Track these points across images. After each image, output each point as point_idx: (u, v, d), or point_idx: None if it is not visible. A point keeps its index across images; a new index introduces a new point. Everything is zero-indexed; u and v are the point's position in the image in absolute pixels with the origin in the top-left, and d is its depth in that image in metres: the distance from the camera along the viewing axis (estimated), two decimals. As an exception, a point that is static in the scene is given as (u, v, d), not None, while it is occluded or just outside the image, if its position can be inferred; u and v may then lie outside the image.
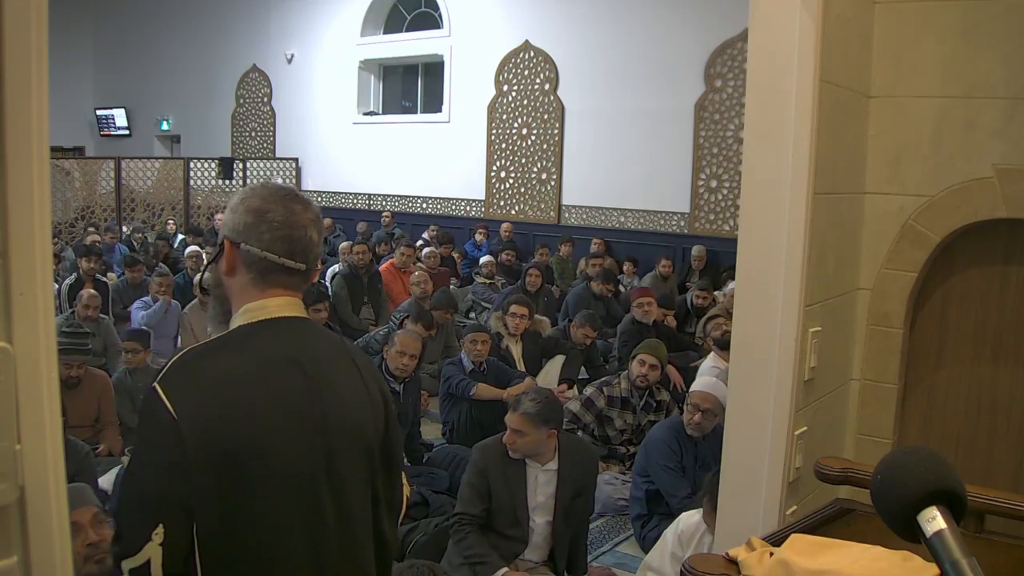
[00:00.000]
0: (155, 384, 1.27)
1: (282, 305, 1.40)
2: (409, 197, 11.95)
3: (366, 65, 12.30)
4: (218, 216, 11.16)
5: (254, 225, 1.38)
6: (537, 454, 3.09)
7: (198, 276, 1.48)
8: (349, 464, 1.41)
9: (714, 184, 9.36)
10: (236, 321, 1.40)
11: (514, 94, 10.73)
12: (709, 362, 5.06)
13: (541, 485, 3.12)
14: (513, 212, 10.85)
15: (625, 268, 8.94)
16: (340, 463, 1.39)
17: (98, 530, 2.32)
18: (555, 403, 3.17)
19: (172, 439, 1.23)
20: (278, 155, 13.24)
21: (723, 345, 4.71)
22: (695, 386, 3.86)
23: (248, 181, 12.58)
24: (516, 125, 10.75)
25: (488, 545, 3.01)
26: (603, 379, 4.90)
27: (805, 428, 2.03)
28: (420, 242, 9.44)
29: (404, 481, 1.61)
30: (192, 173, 12.05)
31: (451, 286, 8.16)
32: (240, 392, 1.30)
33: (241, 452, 1.27)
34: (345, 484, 1.39)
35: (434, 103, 11.77)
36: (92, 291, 5.94)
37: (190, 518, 1.25)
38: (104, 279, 7.07)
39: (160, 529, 1.22)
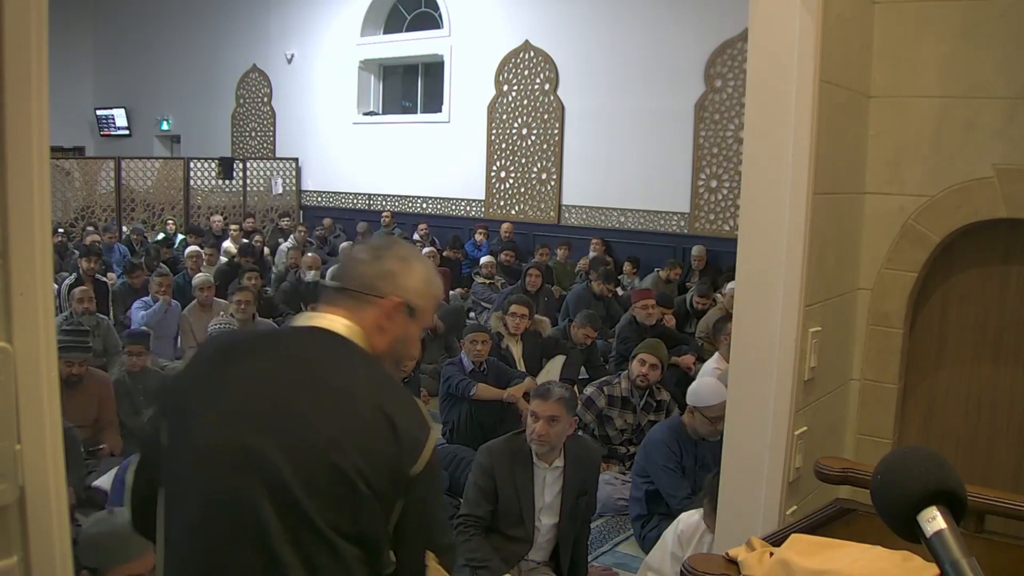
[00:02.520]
0: None
1: (311, 318, 1.44)
2: (409, 197, 11.95)
3: (366, 65, 12.30)
4: (215, 218, 11.15)
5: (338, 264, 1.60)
6: (557, 448, 3.10)
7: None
8: (300, 480, 1.22)
9: (714, 184, 9.36)
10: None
11: (514, 94, 10.73)
12: (712, 363, 5.05)
13: (548, 485, 3.13)
14: (513, 212, 10.85)
15: (625, 268, 8.94)
16: (286, 474, 1.21)
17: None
18: (573, 391, 3.24)
19: (158, 392, 1.52)
20: (278, 155, 13.24)
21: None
22: (707, 397, 3.71)
23: (248, 181, 12.58)
24: (516, 125, 10.75)
25: (491, 549, 3.02)
26: (603, 379, 4.91)
27: (805, 428, 2.03)
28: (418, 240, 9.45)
29: (435, 564, 1.38)
30: (192, 173, 12.04)
31: (453, 290, 8.16)
32: (211, 358, 1.38)
33: (176, 405, 1.33)
34: (289, 499, 1.21)
35: (434, 103, 11.77)
36: (84, 286, 5.95)
37: (155, 457, 1.32)
38: (104, 279, 7.07)
39: (139, 456, 1.42)
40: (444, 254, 9.49)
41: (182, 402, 1.32)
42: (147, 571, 2.25)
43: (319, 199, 13.00)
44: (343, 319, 1.39)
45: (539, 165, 10.62)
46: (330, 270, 1.57)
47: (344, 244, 8.79)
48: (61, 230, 9.73)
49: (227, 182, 12.37)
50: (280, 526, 1.20)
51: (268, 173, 12.91)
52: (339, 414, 1.26)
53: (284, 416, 1.26)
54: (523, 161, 10.74)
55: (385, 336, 1.41)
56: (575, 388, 5.38)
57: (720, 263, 8.76)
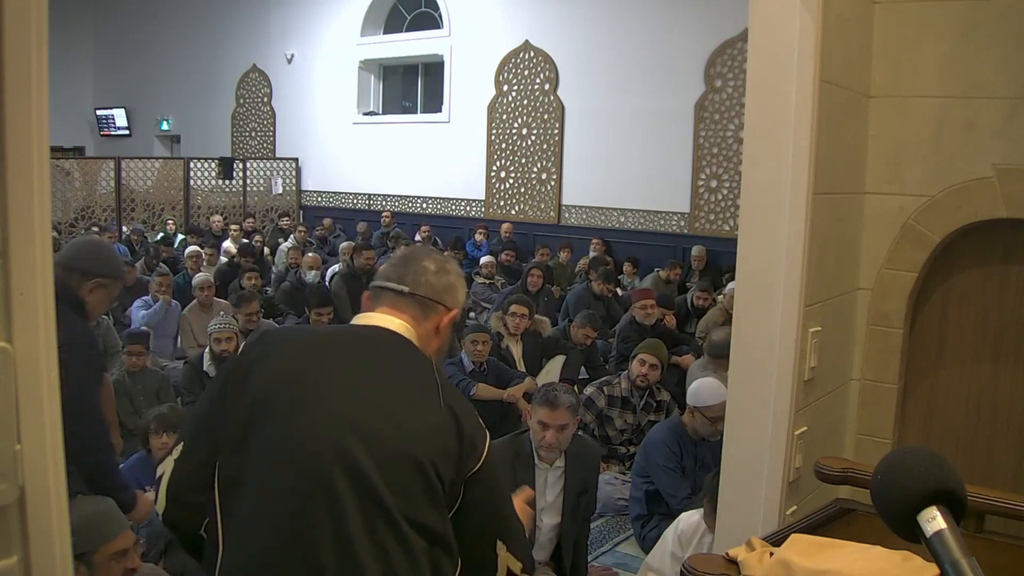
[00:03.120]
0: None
1: (369, 318, 1.53)
2: (409, 197, 11.95)
3: (366, 65, 12.30)
4: (215, 218, 11.15)
5: (384, 266, 1.66)
6: (563, 451, 3.10)
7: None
8: (381, 473, 1.30)
9: (714, 184, 9.36)
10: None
11: (514, 94, 10.73)
12: (702, 362, 5.06)
13: (550, 485, 3.13)
14: (513, 212, 10.85)
15: (625, 268, 8.94)
16: (366, 467, 1.29)
17: (137, 553, 2.32)
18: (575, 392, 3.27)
19: (224, 373, 1.45)
20: (278, 155, 13.24)
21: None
22: (707, 397, 3.70)
23: (248, 181, 12.58)
24: (516, 125, 10.75)
25: None
26: (603, 379, 4.91)
27: (805, 428, 2.03)
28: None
29: (506, 553, 1.46)
30: (192, 173, 12.04)
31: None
32: (291, 353, 1.43)
33: (266, 402, 1.35)
34: (369, 491, 1.29)
35: (434, 103, 11.78)
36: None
37: (213, 449, 1.37)
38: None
39: (180, 447, 1.42)
40: (444, 254, 9.47)
41: (274, 403, 1.36)
42: (129, 546, 2.26)
43: (319, 199, 13.00)
44: (406, 324, 1.51)
45: (539, 165, 10.62)
46: (389, 273, 1.57)
47: (344, 244, 8.78)
48: (55, 234, 9.73)
49: (227, 182, 12.37)
50: (360, 515, 1.28)
51: (268, 173, 12.91)
52: (420, 411, 1.39)
53: (376, 414, 1.36)
54: (523, 161, 10.74)
55: (435, 343, 1.56)
56: (575, 388, 5.39)
57: (720, 263, 8.76)
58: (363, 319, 1.53)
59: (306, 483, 1.29)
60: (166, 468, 1.42)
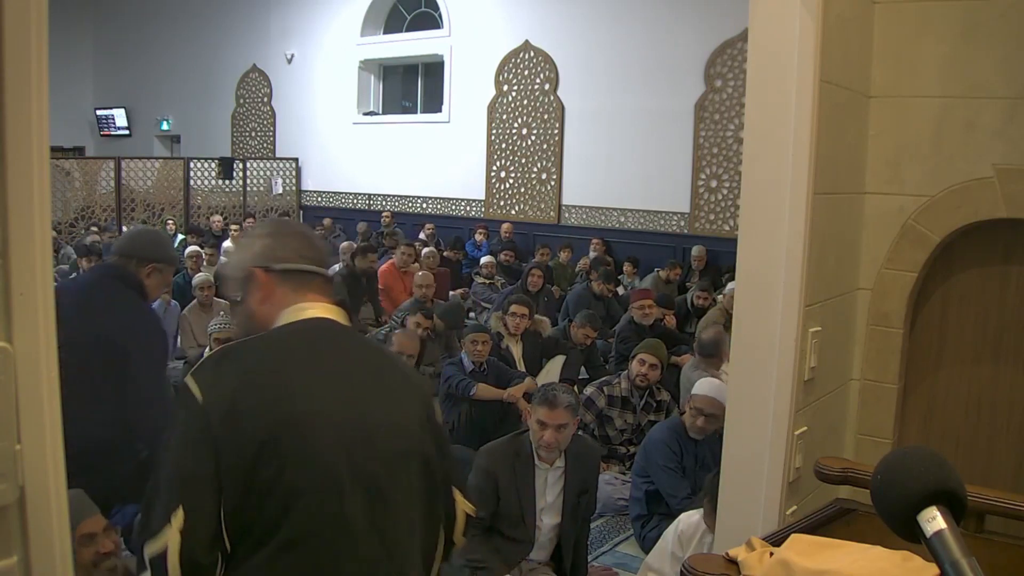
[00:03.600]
0: (186, 377, 1.31)
1: (317, 308, 1.45)
2: (409, 197, 11.95)
3: (366, 65, 12.30)
4: (215, 218, 11.17)
5: (276, 246, 1.48)
6: (563, 451, 3.10)
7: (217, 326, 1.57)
8: (392, 469, 1.37)
9: (714, 184, 9.37)
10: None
11: (514, 94, 10.73)
12: (695, 362, 5.07)
13: (550, 485, 3.13)
14: (513, 212, 10.85)
15: (625, 268, 8.94)
16: (378, 466, 1.35)
17: (111, 538, 2.31)
18: (575, 392, 3.27)
19: (200, 423, 1.25)
20: (278, 155, 13.24)
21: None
22: (698, 389, 3.83)
23: (248, 181, 12.58)
24: (516, 125, 10.75)
25: (491, 550, 3.02)
26: (603, 379, 4.91)
27: (805, 428, 2.02)
28: (419, 242, 9.46)
29: (458, 497, 1.56)
30: (192, 173, 12.05)
31: (454, 291, 8.15)
32: (269, 378, 1.33)
33: (269, 433, 1.27)
34: (385, 489, 1.35)
35: (434, 103, 11.78)
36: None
37: (218, 498, 1.24)
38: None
39: (180, 513, 1.20)
40: (444, 254, 9.49)
41: (285, 435, 1.29)
42: (98, 530, 2.25)
43: (319, 199, 13.01)
44: (337, 308, 1.49)
45: (539, 165, 10.62)
46: (311, 256, 1.48)
47: (344, 244, 8.78)
48: (54, 233, 9.73)
49: (227, 182, 12.37)
50: (423, 490, 1.42)
51: (268, 173, 12.91)
52: (407, 397, 1.47)
53: (380, 411, 1.41)
54: (523, 161, 10.74)
55: None
56: (575, 388, 5.39)
57: (720, 263, 8.76)
58: (304, 311, 1.43)
59: (369, 475, 1.34)
60: (168, 543, 1.20)
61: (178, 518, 1.21)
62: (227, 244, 9.71)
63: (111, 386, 2.61)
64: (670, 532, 2.91)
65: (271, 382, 1.32)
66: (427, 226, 10.65)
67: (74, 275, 6.78)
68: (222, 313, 5.69)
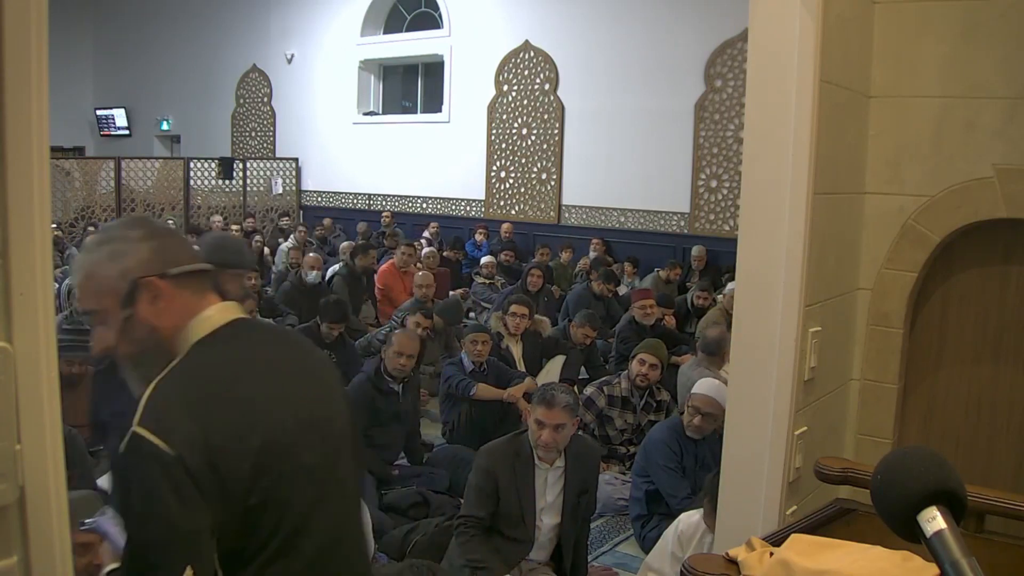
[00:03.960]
0: (135, 429, 1.17)
1: (223, 309, 1.35)
2: (409, 197, 11.95)
3: (366, 65, 12.30)
4: (215, 218, 11.16)
5: (166, 248, 1.33)
6: (562, 450, 3.11)
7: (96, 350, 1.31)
8: (342, 455, 1.41)
9: (714, 184, 9.37)
10: (184, 344, 1.32)
11: (514, 94, 10.73)
12: (693, 362, 5.07)
13: (550, 485, 3.13)
14: (513, 212, 10.85)
15: (625, 268, 8.94)
16: (338, 457, 1.39)
17: (107, 551, 2.30)
18: (574, 392, 3.27)
19: (178, 473, 1.15)
20: (278, 155, 13.24)
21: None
22: (698, 388, 3.84)
23: (248, 181, 12.58)
24: (516, 125, 10.75)
25: (491, 550, 3.01)
26: (603, 379, 4.91)
27: (805, 428, 2.02)
28: (421, 241, 9.45)
29: None
30: (192, 173, 12.04)
31: (454, 290, 8.15)
32: (229, 402, 1.25)
33: (254, 457, 1.22)
34: (344, 478, 1.41)
35: (434, 103, 11.78)
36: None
37: (211, 543, 1.19)
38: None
39: (189, 572, 1.15)
40: (444, 254, 9.49)
41: (276, 438, 1.27)
42: (94, 541, 2.24)
43: (319, 199, 13.00)
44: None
45: (539, 165, 10.62)
46: (190, 252, 1.37)
47: (344, 244, 8.78)
48: (58, 232, 9.72)
49: (227, 182, 12.37)
50: (354, 472, 1.46)
51: (268, 173, 12.91)
52: (326, 368, 1.51)
53: (319, 386, 1.43)
54: (523, 161, 10.74)
55: None
56: (575, 388, 5.40)
57: (720, 263, 8.76)
58: (217, 317, 1.34)
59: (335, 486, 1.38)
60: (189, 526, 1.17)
61: (189, 574, 1.16)
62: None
63: None
64: (670, 532, 2.91)
65: (233, 406, 1.24)
66: (431, 225, 10.64)
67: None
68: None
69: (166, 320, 1.31)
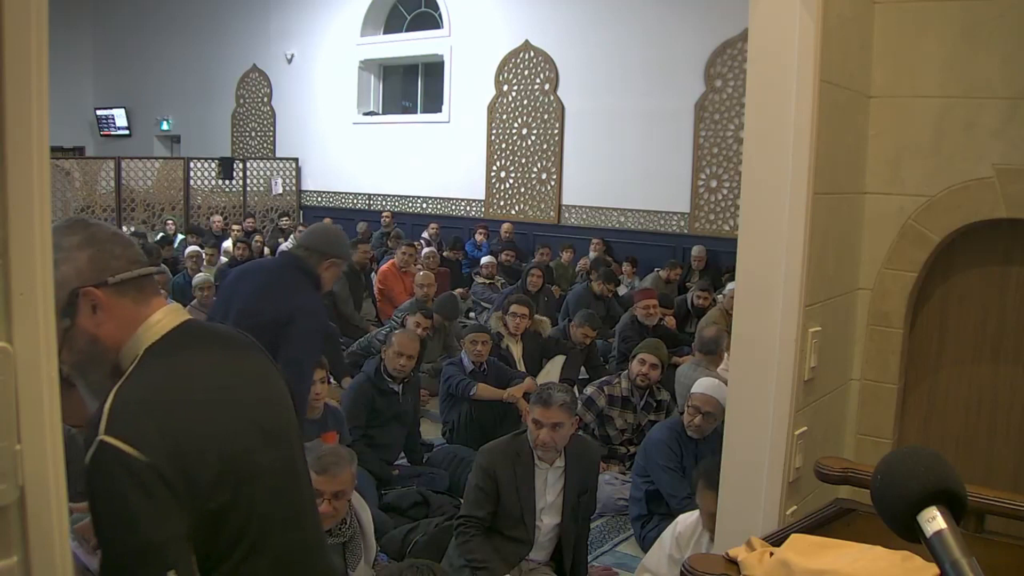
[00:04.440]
0: (102, 437, 1.15)
1: (170, 313, 1.33)
2: (409, 197, 11.95)
3: (366, 65, 12.30)
4: (215, 218, 11.16)
5: (103, 256, 1.28)
6: (561, 450, 3.10)
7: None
8: (295, 449, 1.42)
9: (714, 184, 9.37)
10: (132, 351, 1.29)
11: (514, 94, 10.73)
12: (693, 362, 5.07)
13: (550, 485, 3.13)
14: (513, 212, 10.85)
15: (625, 268, 8.94)
16: (293, 454, 1.41)
17: None
18: (573, 392, 3.28)
19: (152, 479, 1.13)
20: (278, 155, 13.24)
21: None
22: (697, 387, 3.84)
23: (248, 181, 12.58)
24: (516, 125, 10.75)
25: (491, 550, 3.01)
26: (603, 379, 4.91)
27: (805, 428, 2.03)
28: (421, 241, 9.45)
29: None
30: (192, 173, 12.05)
31: (455, 290, 8.14)
32: (194, 407, 1.24)
33: (221, 462, 1.22)
34: (301, 473, 1.43)
35: (434, 103, 11.78)
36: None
37: (191, 546, 1.19)
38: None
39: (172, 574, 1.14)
40: (444, 254, 9.49)
41: (241, 440, 1.28)
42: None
43: (319, 199, 13.01)
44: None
45: (539, 165, 10.62)
46: (131, 256, 1.31)
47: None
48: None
49: (227, 182, 12.37)
50: (305, 466, 1.48)
51: (268, 173, 12.91)
52: (268, 363, 1.48)
53: (267, 383, 1.43)
54: (523, 161, 10.74)
55: None
56: (575, 388, 5.40)
57: (720, 263, 8.77)
58: (163, 323, 1.31)
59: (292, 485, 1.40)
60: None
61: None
62: (227, 244, 9.71)
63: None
64: (667, 534, 2.91)
65: (196, 411, 1.23)
66: (431, 226, 10.64)
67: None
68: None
69: (107, 329, 1.28)
